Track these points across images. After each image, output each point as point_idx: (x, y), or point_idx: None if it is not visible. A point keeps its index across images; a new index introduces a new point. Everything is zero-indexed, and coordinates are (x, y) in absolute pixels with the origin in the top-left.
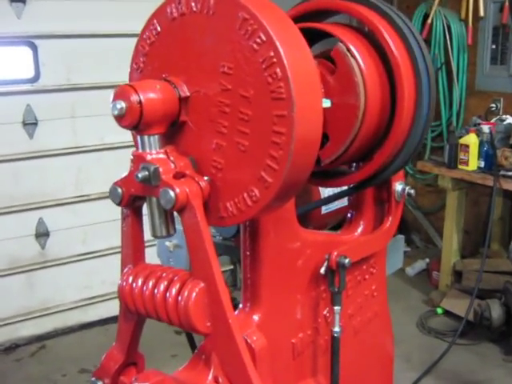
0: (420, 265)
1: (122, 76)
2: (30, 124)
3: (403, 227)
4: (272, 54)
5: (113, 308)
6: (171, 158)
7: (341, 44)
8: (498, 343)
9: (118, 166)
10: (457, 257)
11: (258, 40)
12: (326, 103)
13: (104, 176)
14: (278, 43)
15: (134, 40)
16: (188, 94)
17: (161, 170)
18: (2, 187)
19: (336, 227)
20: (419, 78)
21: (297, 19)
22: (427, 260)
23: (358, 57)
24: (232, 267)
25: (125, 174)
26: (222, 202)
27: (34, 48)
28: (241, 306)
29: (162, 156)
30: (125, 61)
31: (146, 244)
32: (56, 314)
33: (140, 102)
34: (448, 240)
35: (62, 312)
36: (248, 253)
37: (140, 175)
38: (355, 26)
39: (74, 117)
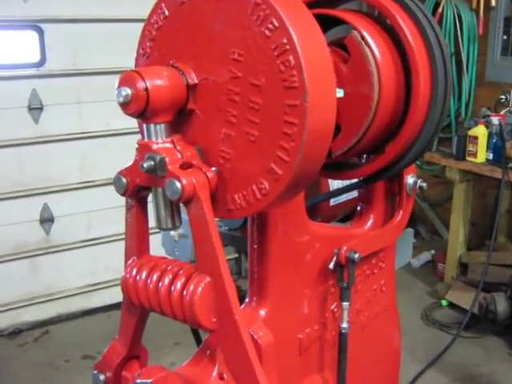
0: (425, 256)
1: (129, 61)
2: (36, 109)
3: (409, 218)
4: (285, 40)
5: (116, 295)
6: (178, 148)
7: (355, 32)
8: (502, 337)
9: (124, 152)
10: (463, 249)
11: (271, 26)
12: (339, 93)
13: (109, 162)
14: (291, 29)
15: (141, 25)
16: (196, 81)
17: (167, 159)
18: (7, 172)
19: (344, 219)
20: (435, 67)
21: (309, 5)
22: (433, 252)
23: (373, 45)
24: (237, 256)
25: (130, 162)
26: (230, 193)
27: (41, 32)
28: (247, 300)
29: (168, 145)
30: (132, 46)
31: (150, 231)
32: (60, 300)
33: (146, 89)
34: (454, 232)
35: (66, 298)
36: (255, 246)
37: (145, 165)
38: (367, 12)
39: (79, 102)
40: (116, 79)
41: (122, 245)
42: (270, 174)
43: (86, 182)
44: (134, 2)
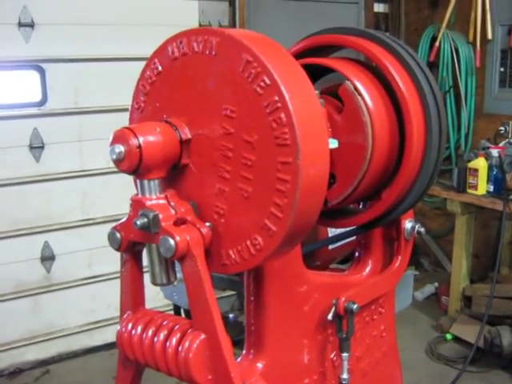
0: (429, 289)
1: (129, 99)
2: (37, 147)
3: (412, 250)
4: (276, 98)
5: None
6: (172, 204)
7: (348, 82)
8: (508, 371)
9: (124, 189)
10: (466, 281)
11: (262, 83)
12: (333, 144)
13: (110, 200)
14: (282, 87)
15: (141, 64)
16: (189, 136)
17: (160, 216)
18: (8, 210)
19: (344, 259)
20: (428, 114)
21: (301, 54)
22: (436, 284)
23: (366, 95)
24: (235, 292)
25: (123, 219)
26: (225, 249)
27: (42, 72)
28: (244, 352)
29: (162, 202)
30: (132, 84)
31: (146, 269)
32: (61, 338)
33: (139, 146)
34: (457, 265)
35: (67, 336)
36: (252, 298)
37: (139, 222)
38: (360, 60)
39: (80, 140)
40: (117, 117)
41: None
42: (264, 229)
43: (87, 219)
44: (134, 41)
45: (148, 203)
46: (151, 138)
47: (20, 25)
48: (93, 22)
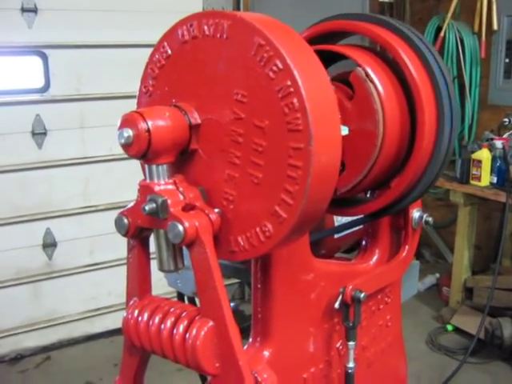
0: (430, 280)
1: (132, 87)
2: (39, 134)
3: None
4: (289, 83)
5: (119, 320)
6: (180, 189)
7: (359, 69)
8: (509, 362)
9: (127, 177)
10: (468, 273)
11: (275, 68)
12: (344, 131)
13: (112, 187)
14: (295, 72)
15: (145, 50)
16: (199, 121)
17: (169, 202)
18: (10, 197)
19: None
20: (440, 101)
21: (312, 40)
22: (437, 275)
23: (377, 82)
24: (240, 280)
25: (131, 203)
26: (234, 235)
27: (45, 58)
28: (250, 340)
29: (170, 187)
30: (135, 71)
31: (152, 256)
32: (61, 325)
33: (148, 131)
34: (459, 256)
35: (68, 323)
36: (259, 285)
37: (147, 207)
38: (370, 47)
39: (82, 127)
40: (119, 104)
41: (124, 270)
42: (274, 216)
43: (89, 206)
44: (137, 28)
45: (156, 188)
46: (160, 123)
47: (23, 10)
48: (96, 8)
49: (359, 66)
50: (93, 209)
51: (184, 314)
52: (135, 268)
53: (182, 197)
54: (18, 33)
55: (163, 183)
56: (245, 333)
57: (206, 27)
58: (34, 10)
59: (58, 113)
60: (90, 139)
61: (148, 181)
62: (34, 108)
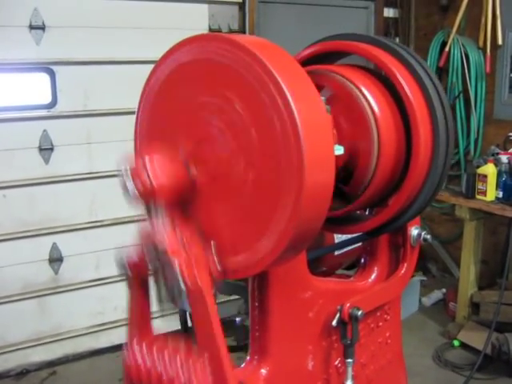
0: (436, 295)
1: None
2: (46, 149)
3: (419, 256)
4: (282, 106)
5: (124, 335)
6: (177, 231)
7: (354, 88)
8: None
9: None
10: (474, 288)
11: (269, 92)
12: (339, 150)
13: (118, 202)
14: (288, 95)
15: (150, 67)
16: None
17: (169, 249)
18: (17, 212)
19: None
20: (436, 123)
21: (310, 60)
22: (444, 290)
23: (372, 101)
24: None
25: (132, 250)
26: (230, 255)
27: (52, 74)
28: (248, 358)
29: (170, 233)
30: (141, 87)
31: None
32: (67, 340)
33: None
34: (465, 271)
35: (74, 338)
36: (256, 304)
37: (150, 264)
38: (367, 67)
39: (89, 142)
40: (125, 120)
41: None
42: (270, 235)
43: (95, 221)
44: (144, 44)
45: (157, 236)
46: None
47: (31, 27)
48: (103, 25)
49: (354, 85)
50: (99, 224)
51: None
52: (134, 306)
53: (180, 240)
54: (26, 50)
55: (163, 231)
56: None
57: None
58: (42, 27)
59: (64, 128)
60: (97, 155)
61: (149, 227)
62: (41, 124)
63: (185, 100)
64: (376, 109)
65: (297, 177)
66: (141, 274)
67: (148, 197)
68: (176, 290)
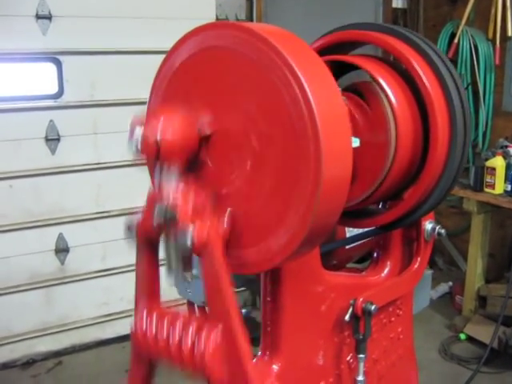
0: (443, 288)
1: (146, 93)
2: (53, 140)
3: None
4: (300, 96)
5: (130, 325)
6: (190, 196)
7: (371, 78)
8: None
9: (139, 182)
10: (481, 281)
11: (285, 81)
12: (355, 142)
13: (124, 192)
14: (306, 85)
15: (158, 57)
16: (209, 132)
17: (178, 210)
18: (23, 202)
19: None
20: (453, 110)
21: (324, 50)
22: (450, 283)
23: (389, 92)
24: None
25: (140, 213)
26: (244, 248)
27: (59, 64)
28: (259, 353)
29: (180, 194)
30: (148, 78)
31: (162, 262)
32: (73, 330)
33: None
34: (472, 264)
35: (80, 328)
36: (268, 298)
37: (156, 219)
38: (382, 57)
39: (96, 133)
40: (132, 110)
41: None
42: (286, 228)
43: (102, 212)
44: (151, 34)
45: (166, 196)
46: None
47: (37, 17)
48: (110, 14)
49: (372, 77)
50: (105, 214)
51: (193, 322)
52: (143, 272)
53: (191, 204)
54: (32, 40)
55: (173, 191)
56: (257, 342)
57: (215, 38)
58: (49, 17)
59: (71, 119)
60: (103, 145)
61: (157, 187)
62: (48, 114)
63: (202, 84)
64: (393, 100)
65: (314, 169)
66: (150, 238)
67: (162, 154)
68: (186, 254)
